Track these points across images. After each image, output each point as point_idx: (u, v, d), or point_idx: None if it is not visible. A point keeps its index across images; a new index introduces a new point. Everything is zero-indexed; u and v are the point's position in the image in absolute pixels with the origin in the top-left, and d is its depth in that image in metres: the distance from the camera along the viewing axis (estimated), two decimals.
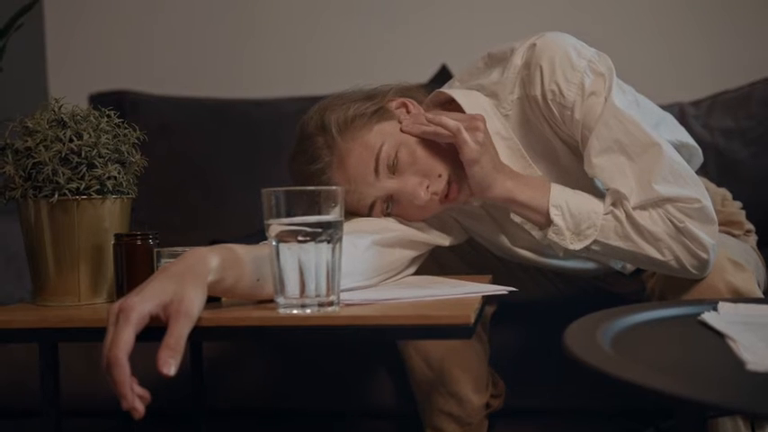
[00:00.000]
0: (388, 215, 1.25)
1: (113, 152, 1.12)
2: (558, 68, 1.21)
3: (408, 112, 1.27)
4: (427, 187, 1.21)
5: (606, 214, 1.17)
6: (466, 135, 1.17)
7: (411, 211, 1.24)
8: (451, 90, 1.32)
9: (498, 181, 1.20)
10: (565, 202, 1.18)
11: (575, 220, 1.18)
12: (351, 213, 1.23)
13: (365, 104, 1.25)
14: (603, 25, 2.34)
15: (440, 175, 1.22)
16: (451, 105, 1.30)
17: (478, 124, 1.20)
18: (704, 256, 1.15)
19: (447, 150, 1.22)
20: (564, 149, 1.28)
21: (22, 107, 1.20)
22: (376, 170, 1.21)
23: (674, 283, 1.20)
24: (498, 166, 1.21)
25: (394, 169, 1.21)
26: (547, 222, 1.19)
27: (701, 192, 1.16)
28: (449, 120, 1.19)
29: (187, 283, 0.90)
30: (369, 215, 1.24)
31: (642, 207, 1.16)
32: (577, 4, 2.38)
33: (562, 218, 1.18)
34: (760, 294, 1.19)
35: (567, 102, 1.21)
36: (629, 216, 1.16)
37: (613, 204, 1.18)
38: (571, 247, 1.18)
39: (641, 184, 1.16)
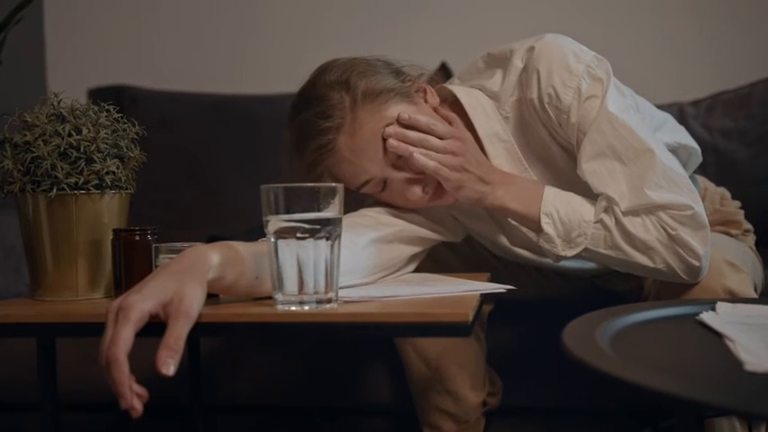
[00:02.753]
0: (374, 196, 1.25)
1: (112, 147, 1.12)
2: (556, 72, 1.21)
3: (426, 100, 1.27)
4: (422, 182, 1.21)
5: (596, 222, 1.17)
6: (444, 172, 1.18)
7: (399, 199, 1.24)
8: (454, 87, 1.32)
9: (488, 193, 1.20)
10: (555, 210, 1.18)
11: (565, 228, 1.17)
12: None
13: (393, 81, 1.23)
14: (603, 25, 2.34)
15: None
16: (454, 103, 1.30)
17: (455, 146, 1.19)
18: (696, 263, 1.14)
19: None
20: (560, 153, 1.28)
21: (22, 101, 1.20)
22: (385, 149, 1.19)
23: (671, 284, 1.19)
24: (487, 176, 1.21)
25: (400, 155, 1.20)
26: (538, 229, 1.19)
27: (693, 198, 1.15)
28: (427, 161, 1.18)
29: (187, 281, 0.90)
30: (356, 190, 1.23)
31: (634, 213, 1.15)
32: (578, 3, 2.37)
33: (552, 226, 1.18)
34: (755, 296, 1.19)
35: (563, 105, 1.21)
36: (619, 223, 1.15)
37: (605, 211, 1.17)
38: (562, 253, 1.18)
39: (633, 189, 1.15)
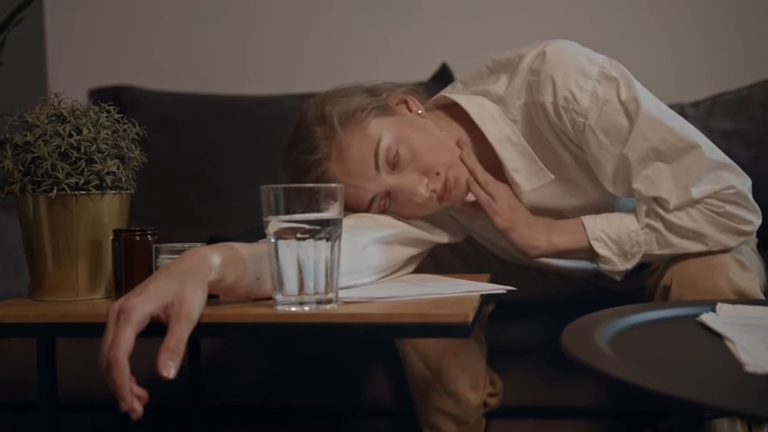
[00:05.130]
0: (384, 212, 1.25)
1: (113, 147, 1.12)
2: (571, 76, 1.21)
3: (409, 109, 1.27)
4: (426, 185, 1.21)
5: (643, 228, 1.20)
6: (496, 207, 1.22)
7: (409, 207, 1.24)
8: (457, 96, 1.31)
9: (541, 241, 1.23)
10: (603, 233, 1.22)
11: (618, 245, 1.22)
12: (348, 209, 1.23)
13: (366, 99, 1.25)
14: (603, 26, 2.34)
15: (438, 174, 1.22)
16: (454, 109, 1.30)
17: (501, 189, 1.24)
18: (748, 228, 1.20)
19: (444, 148, 1.22)
20: (568, 157, 1.28)
21: (22, 102, 1.20)
22: (376, 165, 1.20)
23: (675, 283, 1.20)
24: (532, 224, 1.24)
25: (394, 165, 1.21)
26: (594, 256, 1.22)
27: (735, 176, 1.20)
28: (480, 190, 1.23)
29: (188, 283, 0.90)
30: (367, 211, 1.24)
31: (679, 208, 1.19)
32: (578, 5, 2.37)
33: (606, 248, 1.22)
34: (761, 296, 1.20)
35: (581, 108, 1.21)
36: (665, 222, 1.19)
37: (647, 215, 1.20)
38: (622, 268, 1.23)
39: (679, 188, 1.19)
